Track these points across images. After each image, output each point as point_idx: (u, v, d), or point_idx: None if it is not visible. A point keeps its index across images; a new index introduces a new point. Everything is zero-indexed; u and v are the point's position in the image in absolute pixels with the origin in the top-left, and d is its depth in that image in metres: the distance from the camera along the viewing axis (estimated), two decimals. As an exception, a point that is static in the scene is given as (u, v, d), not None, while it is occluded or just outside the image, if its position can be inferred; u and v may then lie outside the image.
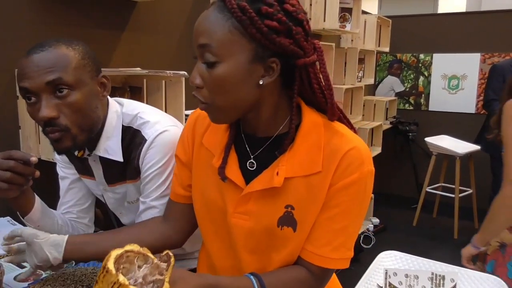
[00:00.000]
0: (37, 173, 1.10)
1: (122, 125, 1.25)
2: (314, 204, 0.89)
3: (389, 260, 1.54)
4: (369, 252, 3.62)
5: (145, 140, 1.20)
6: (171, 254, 0.79)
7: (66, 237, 1.09)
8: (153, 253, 0.81)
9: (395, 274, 1.30)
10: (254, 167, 0.92)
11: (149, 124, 1.22)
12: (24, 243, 1.10)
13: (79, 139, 1.13)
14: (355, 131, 0.94)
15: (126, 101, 1.31)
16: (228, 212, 0.94)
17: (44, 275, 1.28)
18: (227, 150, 0.94)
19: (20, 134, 1.86)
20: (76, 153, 1.29)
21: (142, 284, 0.76)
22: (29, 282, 1.22)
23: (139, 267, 0.78)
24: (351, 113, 4.34)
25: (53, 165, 1.78)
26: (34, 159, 1.08)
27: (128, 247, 0.78)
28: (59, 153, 1.17)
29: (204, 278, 0.85)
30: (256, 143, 0.93)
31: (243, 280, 0.90)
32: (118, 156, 1.24)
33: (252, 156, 0.93)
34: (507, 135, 1.71)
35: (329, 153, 0.86)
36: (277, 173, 0.87)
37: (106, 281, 0.73)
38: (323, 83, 0.89)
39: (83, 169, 1.36)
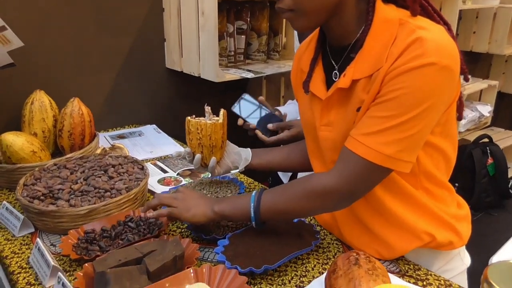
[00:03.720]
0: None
1: None
2: None
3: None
4: (519, 200, 3.22)
5: None
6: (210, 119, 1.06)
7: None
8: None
9: None
10: (338, 77, 0.90)
11: None
12: None
13: None
14: (447, 25, 0.83)
15: None
16: (316, 127, 0.95)
17: (183, 182, 1.35)
18: (311, 64, 0.95)
19: (165, 47, 1.93)
20: None
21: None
22: (170, 187, 1.29)
23: None
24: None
25: (193, 78, 1.84)
26: None
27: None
28: None
29: (211, 211, 0.95)
30: (339, 53, 0.90)
31: (247, 198, 0.93)
32: None
33: (336, 67, 0.91)
34: None
35: (394, 47, 0.79)
36: (344, 75, 0.85)
37: (194, 131, 1.07)
38: None
39: None
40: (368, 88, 0.82)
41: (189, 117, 1.08)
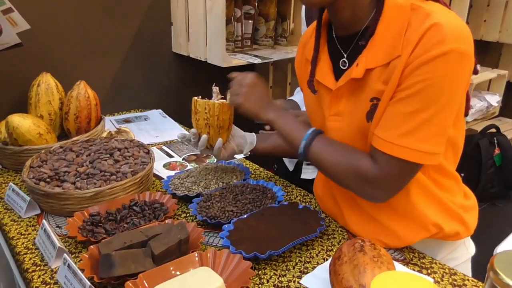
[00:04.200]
0: None
1: None
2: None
3: None
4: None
5: None
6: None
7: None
8: None
9: None
10: (346, 66, 0.88)
11: None
12: None
13: None
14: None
15: None
16: (325, 117, 0.93)
17: (189, 167, 1.35)
18: (314, 56, 0.93)
19: (172, 31, 1.91)
20: None
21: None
22: (176, 171, 1.29)
23: None
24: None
25: (200, 63, 1.83)
26: None
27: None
28: None
29: (265, 113, 0.97)
30: (347, 41, 0.88)
31: (303, 131, 0.92)
32: None
33: (345, 55, 0.88)
34: None
35: (409, 34, 0.77)
36: (357, 64, 0.83)
37: (201, 111, 1.06)
38: None
39: None
40: (384, 77, 0.80)
41: (195, 97, 1.07)
